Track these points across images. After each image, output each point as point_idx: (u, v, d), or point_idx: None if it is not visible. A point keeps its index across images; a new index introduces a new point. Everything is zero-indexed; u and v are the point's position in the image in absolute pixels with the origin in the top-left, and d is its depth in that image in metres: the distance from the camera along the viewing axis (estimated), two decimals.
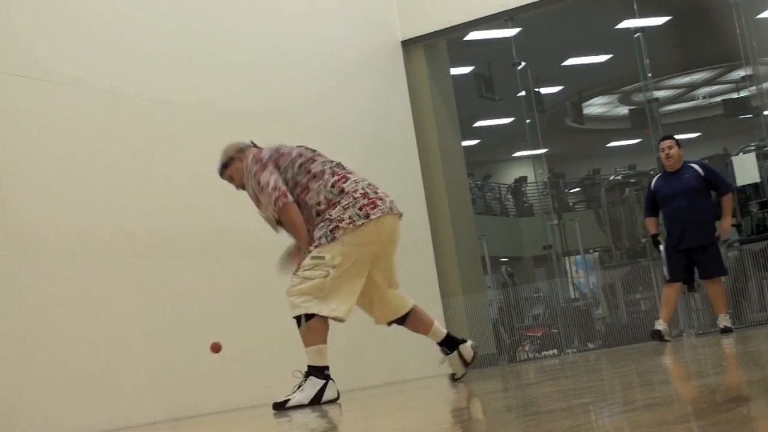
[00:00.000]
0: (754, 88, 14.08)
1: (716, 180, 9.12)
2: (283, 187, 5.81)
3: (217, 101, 8.32)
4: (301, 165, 5.92)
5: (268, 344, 8.18)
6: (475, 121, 20.64)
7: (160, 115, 7.74)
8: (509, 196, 22.94)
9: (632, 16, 11.76)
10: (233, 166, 6.11)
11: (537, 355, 11.37)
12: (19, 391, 6.26)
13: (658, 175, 9.36)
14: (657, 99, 12.59)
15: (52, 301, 6.57)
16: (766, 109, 12.45)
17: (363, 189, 5.82)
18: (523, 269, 19.97)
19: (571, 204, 20.67)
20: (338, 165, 6.11)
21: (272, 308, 8.35)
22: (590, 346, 10.91)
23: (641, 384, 4.17)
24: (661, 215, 9.16)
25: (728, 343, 6.73)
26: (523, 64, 11.43)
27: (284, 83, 9.13)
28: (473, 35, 12.90)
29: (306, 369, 5.74)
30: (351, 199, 5.76)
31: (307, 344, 5.70)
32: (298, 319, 5.72)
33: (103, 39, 7.44)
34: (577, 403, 3.30)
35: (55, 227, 6.73)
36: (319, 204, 5.79)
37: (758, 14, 12.70)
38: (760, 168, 10.79)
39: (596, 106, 22.50)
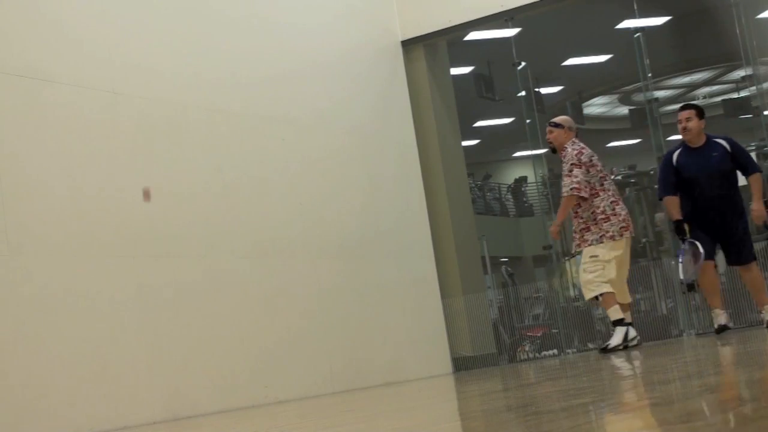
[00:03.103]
0: (754, 88, 14.09)
1: (745, 158, 8.21)
2: (582, 183, 8.08)
3: (217, 101, 8.32)
4: (600, 177, 8.17)
5: (268, 344, 8.18)
6: (475, 121, 20.64)
7: (160, 115, 7.74)
8: (509, 196, 22.95)
9: (632, 16, 11.75)
10: (561, 132, 8.31)
11: (537, 355, 11.37)
12: (19, 391, 6.26)
13: (678, 149, 8.33)
14: (657, 99, 12.59)
15: (52, 301, 6.57)
16: (766, 109, 12.45)
17: (624, 215, 8.16)
18: (523, 269, 19.97)
19: None
20: (615, 190, 8.31)
21: (272, 308, 8.36)
22: (590, 346, 10.90)
23: (641, 384, 4.17)
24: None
25: (708, 351, 6.69)
26: (523, 64, 11.43)
27: (284, 83, 9.13)
28: (473, 35, 12.91)
29: (611, 323, 8.17)
30: (617, 220, 8.11)
31: (607, 308, 8.15)
32: (595, 299, 8.18)
33: (103, 39, 7.43)
34: (577, 403, 3.30)
35: (54, 226, 6.73)
36: (601, 211, 8.11)
37: (758, 14, 12.69)
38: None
39: (596, 106, 22.50)
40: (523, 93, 12.15)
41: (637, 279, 11.68)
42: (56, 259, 6.70)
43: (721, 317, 8.18)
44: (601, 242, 8.03)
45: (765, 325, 8.16)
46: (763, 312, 8.19)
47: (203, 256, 7.80)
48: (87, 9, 7.39)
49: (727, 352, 5.75)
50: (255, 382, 7.93)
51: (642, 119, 13.84)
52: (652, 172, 12.96)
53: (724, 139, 8.28)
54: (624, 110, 22.12)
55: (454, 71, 12.88)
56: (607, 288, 8.05)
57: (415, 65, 11.13)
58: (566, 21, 14.80)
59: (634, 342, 8.27)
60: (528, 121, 12.08)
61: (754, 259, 8.24)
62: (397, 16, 11.04)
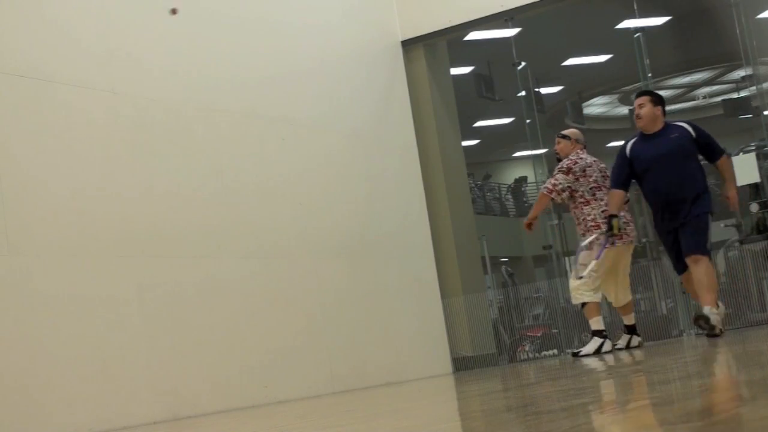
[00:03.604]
0: (754, 88, 14.08)
1: (709, 142, 7.72)
2: (559, 187, 8.26)
3: (217, 101, 8.32)
4: (591, 187, 8.23)
5: (268, 344, 8.18)
6: (475, 121, 20.64)
7: (160, 115, 7.74)
8: (509, 196, 22.95)
9: (632, 16, 11.75)
10: (568, 144, 8.47)
11: (537, 355, 11.37)
12: (19, 391, 6.25)
13: (633, 138, 7.95)
14: None
15: (52, 301, 6.57)
16: (766, 109, 12.45)
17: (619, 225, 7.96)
18: (523, 269, 19.97)
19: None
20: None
21: (272, 308, 8.36)
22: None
23: (641, 384, 4.17)
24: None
25: (708, 352, 6.69)
26: (523, 64, 11.43)
27: (284, 83, 9.13)
28: (473, 35, 12.91)
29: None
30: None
31: (588, 317, 8.25)
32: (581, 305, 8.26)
33: (103, 39, 7.43)
34: (577, 403, 3.30)
35: (55, 227, 6.73)
36: (591, 218, 8.17)
37: (758, 14, 12.69)
38: (760, 168, 10.78)
39: (596, 106, 22.50)
40: (523, 93, 12.15)
41: (637, 279, 11.66)
42: (56, 259, 6.70)
43: (714, 320, 7.49)
44: (591, 249, 8.12)
45: (694, 316, 7.73)
46: (704, 310, 7.52)
47: (203, 257, 7.80)
48: (87, 9, 7.38)
49: (720, 351, 5.75)
50: (255, 382, 7.93)
51: None
52: None
53: (687, 123, 7.88)
54: (624, 110, 22.11)
55: (454, 71, 12.88)
56: (590, 297, 8.16)
57: (415, 65, 11.13)
58: (566, 21, 14.80)
59: (636, 343, 8.34)
60: (528, 121, 12.07)
61: (706, 254, 7.58)
62: (397, 16, 11.04)
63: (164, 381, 7.18)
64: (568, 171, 8.29)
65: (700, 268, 7.57)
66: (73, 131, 7.03)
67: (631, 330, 8.46)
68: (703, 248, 7.62)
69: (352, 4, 10.45)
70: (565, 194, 8.29)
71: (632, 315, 8.47)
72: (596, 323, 8.22)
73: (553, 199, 8.38)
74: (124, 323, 7.02)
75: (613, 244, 7.93)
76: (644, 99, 7.90)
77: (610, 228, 7.84)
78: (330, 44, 9.92)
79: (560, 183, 8.29)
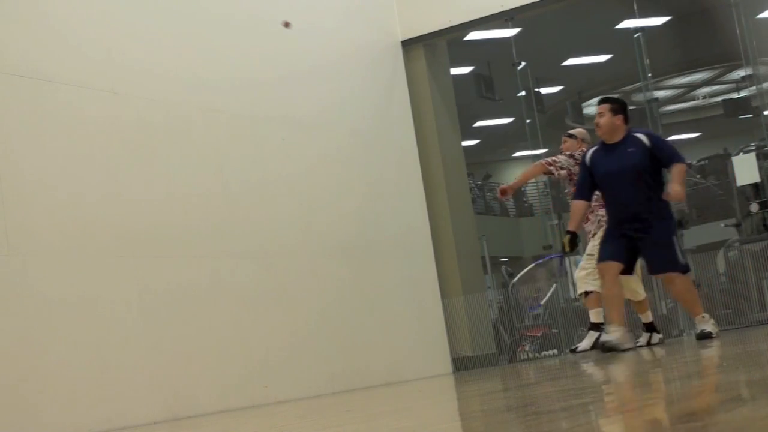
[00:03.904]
0: (754, 88, 14.09)
1: (665, 150, 7.33)
2: (558, 164, 8.10)
3: (217, 101, 8.32)
4: None
5: (268, 344, 8.18)
6: (475, 121, 20.63)
7: (160, 115, 7.74)
8: (509, 196, 22.91)
9: (632, 16, 11.75)
10: (574, 143, 8.27)
11: (537, 355, 11.37)
12: (19, 391, 6.26)
13: (595, 147, 7.63)
14: (657, 99, 12.60)
15: (52, 301, 6.57)
16: (766, 109, 12.45)
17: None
18: (523, 269, 19.93)
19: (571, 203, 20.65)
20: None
21: (272, 308, 8.36)
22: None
23: (641, 384, 4.17)
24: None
25: (708, 351, 6.63)
26: (523, 64, 11.43)
27: (284, 83, 9.13)
28: (473, 35, 12.90)
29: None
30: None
31: (588, 308, 7.99)
32: (584, 294, 7.97)
33: (104, 39, 7.43)
34: (577, 403, 3.30)
35: (55, 227, 6.73)
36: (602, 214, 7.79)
37: (758, 14, 12.70)
38: (760, 168, 10.78)
39: (596, 106, 22.48)
40: (523, 93, 12.16)
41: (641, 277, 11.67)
42: (56, 259, 6.70)
43: (612, 333, 7.21)
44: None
45: (696, 336, 7.54)
46: (697, 321, 7.45)
47: (203, 257, 7.80)
48: (87, 9, 7.38)
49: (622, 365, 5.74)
50: (255, 382, 7.93)
51: (642, 119, 13.82)
52: None
53: (644, 133, 7.54)
54: None
55: (454, 71, 12.87)
56: (594, 286, 7.93)
57: (415, 65, 11.13)
58: (566, 21, 14.80)
59: (656, 341, 8.27)
60: (528, 121, 12.08)
61: (678, 269, 7.25)
62: (397, 17, 11.03)
63: (164, 381, 7.18)
64: (571, 156, 8.19)
65: (677, 286, 7.32)
66: (73, 131, 7.03)
67: (650, 328, 8.39)
68: (674, 264, 7.22)
69: (352, 5, 10.45)
70: (563, 173, 8.10)
71: (649, 313, 8.35)
72: (596, 315, 8.11)
73: (549, 173, 8.19)
74: (124, 323, 7.02)
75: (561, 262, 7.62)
76: (604, 107, 7.50)
77: (563, 246, 7.44)
78: (330, 45, 9.92)
79: (560, 161, 8.16)
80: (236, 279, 8.04)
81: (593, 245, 8.03)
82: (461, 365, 10.53)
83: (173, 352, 7.32)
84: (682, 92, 21.76)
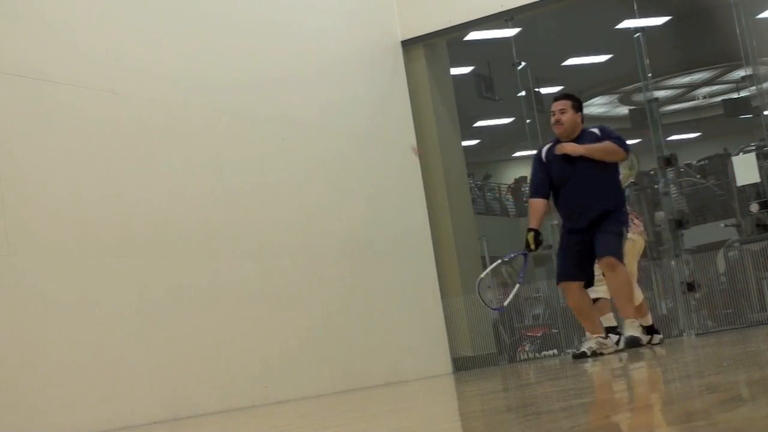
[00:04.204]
0: (754, 88, 14.07)
1: (611, 137, 7.23)
2: None
3: (217, 101, 8.32)
4: None
5: (268, 344, 8.18)
6: (475, 121, 20.63)
7: (160, 115, 7.74)
8: (509, 196, 22.93)
9: (632, 16, 11.74)
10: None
11: (537, 355, 11.37)
12: (19, 391, 6.26)
13: (549, 144, 7.43)
14: (657, 99, 12.58)
15: (51, 301, 6.57)
16: (766, 109, 12.44)
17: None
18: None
19: None
20: None
21: (272, 308, 8.36)
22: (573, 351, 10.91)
23: (641, 384, 4.17)
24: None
25: (707, 351, 6.64)
26: (523, 64, 11.43)
27: (284, 83, 9.13)
28: (473, 35, 12.90)
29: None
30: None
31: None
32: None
33: (104, 39, 7.43)
34: (577, 403, 3.30)
35: (55, 227, 6.73)
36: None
37: (758, 14, 12.69)
38: (760, 168, 10.78)
39: (596, 106, 22.48)
40: (523, 93, 12.14)
41: (637, 279, 11.64)
42: (56, 259, 6.70)
43: (589, 342, 7.22)
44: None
45: (624, 343, 7.24)
46: (626, 326, 7.24)
47: (203, 257, 7.80)
48: (87, 9, 7.39)
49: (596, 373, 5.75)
50: (255, 382, 7.93)
51: (642, 119, 13.81)
52: (652, 173, 12.95)
53: (597, 127, 7.38)
54: (624, 110, 22.10)
55: (454, 71, 12.87)
56: (604, 293, 7.92)
57: (415, 65, 11.12)
58: (566, 21, 14.79)
59: (657, 341, 8.17)
60: (528, 121, 12.06)
61: (621, 261, 7.13)
62: (397, 17, 11.03)
63: (164, 381, 7.18)
64: None
65: (618, 276, 7.10)
66: (73, 131, 7.03)
67: (651, 330, 8.33)
68: (619, 254, 7.13)
69: (351, 5, 10.45)
70: None
71: (649, 316, 8.23)
72: (610, 320, 8.11)
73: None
74: (124, 323, 7.02)
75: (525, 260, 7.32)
76: (565, 103, 7.28)
77: (527, 244, 7.22)
78: (330, 45, 9.92)
79: None
80: (236, 279, 8.04)
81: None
82: (461, 365, 10.53)
83: (173, 352, 7.32)
84: (682, 92, 21.76)
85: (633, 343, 7.11)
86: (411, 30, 11.04)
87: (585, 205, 7.14)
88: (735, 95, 20.11)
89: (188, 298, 7.55)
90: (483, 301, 7.34)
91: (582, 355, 7.20)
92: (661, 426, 2.22)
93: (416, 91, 11.06)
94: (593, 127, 7.41)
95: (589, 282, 7.31)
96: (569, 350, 8.56)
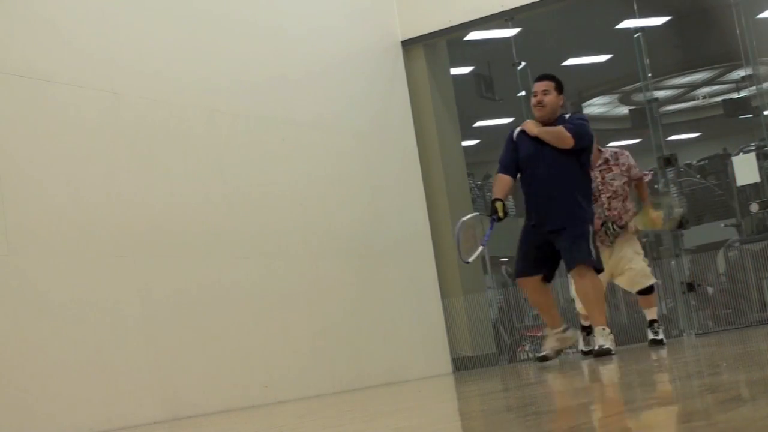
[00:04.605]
0: (754, 88, 14.07)
1: (575, 126, 7.02)
2: None
3: (217, 101, 8.32)
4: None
5: (268, 344, 8.18)
6: (475, 121, 20.62)
7: (160, 115, 7.74)
8: (509, 196, 22.90)
9: (632, 16, 11.74)
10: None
11: (537, 355, 11.36)
12: (19, 391, 6.26)
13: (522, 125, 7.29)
14: (657, 99, 12.58)
15: (52, 301, 6.57)
16: (766, 109, 12.44)
17: None
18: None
19: None
20: None
21: (272, 308, 8.36)
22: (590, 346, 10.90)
23: (641, 384, 4.17)
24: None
25: (707, 351, 6.66)
26: (523, 64, 11.42)
27: (283, 83, 9.13)
28: (473, 35, 12.89)
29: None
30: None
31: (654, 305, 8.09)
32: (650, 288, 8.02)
33: (104, 39, 7.43)
34: (577, 403, 3.30)
35: (55, 227, 6.73)
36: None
37: (758, 14, 12.68)
38: (760, 168, 10.78)
39: (596, 106, 22.47)
40: (523, 93, 12.14)
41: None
42: (56, 260, 6.70)
43: (549, 342, 7.10)
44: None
45: (593, 353, 7.06)
46: (596, 333, 7.03)
47: (203, 257, 7.80)
48: (87, 9, 7.39)
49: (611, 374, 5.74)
50: (255, 382, 7.93)
51: (642, 119, 13.81)
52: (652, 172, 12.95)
53: (571, 113, 7.18)
54: (624, 110, 22.09)
55: (454, 71, 12.87)
56: (654, 280, 8.11)
57: (415, 65, 11.12)
58: (566, 21, 14.79)
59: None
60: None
61: (590, 263, 6.92)
62: (397, 17, 11.03)
63: (164, 381, 7.18)
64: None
65: (586, 282, 6.92)
66: (74, 131, 7.03)
67: (587, 329, 8.37)
68: (588, 257, 6.87)
69: (351, 5, 10.45)
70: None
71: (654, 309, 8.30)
72: (654, 312, 8.15)
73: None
74: (124, 324, 7.02)
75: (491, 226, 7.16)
76: (549, 84, 7.14)
77: (495, 211, 7.02)
78: (329, 45, 9.92)
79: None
80: (236, 279, 8.04)
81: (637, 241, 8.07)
82: (461, 365, 10.53)
83: (173, 352, 7.32)
84: (682, 92, 21.75)
85: (603, 353, 6.91)
86: (411, 30, 11.04)
87: (549, 195, 6.94)
88: (735, 95, 20.09)
89: (188, 299, 7.55)
90: (458, 249, 7.09)
91: (544, 359, 7.12)
92: (661, 426, 2.23)
93: (416, 91, 11.06)
94: (569, 114, 7.27)
95: (549, 276, 7.19)
96: (569, 350, 8.54)
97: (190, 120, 8.01)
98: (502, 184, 7.14)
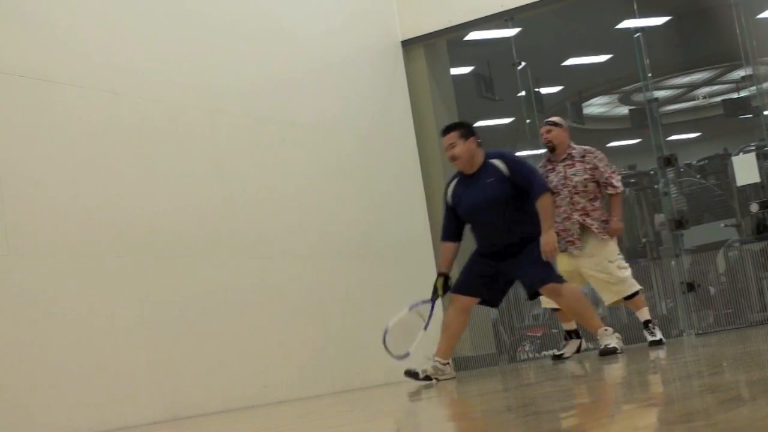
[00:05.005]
0: (754, 88, 14.07)
1: (525, 177, 6.78)
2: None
3: (217, 101, 8.32)
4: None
5: (268, 344, 8.18)
6: (475, 121, 20.62)
7: (160, 115, 7.74)
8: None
9: (632, 16, 11.74)
10: (561, 131, 8.04)
11: (537, 355, 11.36)
12: (19, 391, 6.25)
13: (455, 178, 7.05)
14: (657, 99, 12.58)
15: (52, 301, 6.57)
16: (766, 109, 12.44)
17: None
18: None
19: None
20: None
21: (272, 308, 8.36)
22: (590, 346, 10.91)
23: (641, 384, 4.18)
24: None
25: (706, 351, 6.67)
26: (523, 64, 11.43)
27: (283, 83, 9.13)
28: (473, 35, 12.90)
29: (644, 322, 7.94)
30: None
31: (643, 306, 7.92)
32: (634, 294, 7.85)
33: (104, 39, 7.43)
34: (577, 403, 3.30)
35: (55, 227, 6.73)
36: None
37: (758, 14, 12.68)
38: (760, 168, 10.78)
39: (596, 106, 22.48)
40: (523, 93, 12.14)
41: (637, 279, 11.62)
42: (56, 260, 6.70)
43: (427, 363, 7.04)
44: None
45: (599, 353, 7.14)
46: (598, 336, 7.12)
47: (203, 257, 7.80)
48: (87, 10, 7.39)
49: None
50: (255, 382, 7.93)
51: (642, 119, 13.81)
52: (652, 172, 12.95)
53: (499, 157, 6.86)
54: (624, 110, 22.09)
55: (454, 71, 12.87)
56: (639, 286, 7.99)
57: (415, 65, 11.12)
58: (566, 21, 14.79)
59: (583, 348, 8.35)
60: (528, 121, 12.07)
61: (555, 279, 6.84)
62: (397, 17, 11.03)
63: (164, 381, 7.18)
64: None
65: (564, 298, 6.89)
66: (73, 131, 7.03)
67: (575, 335, 8.30)
68: (551, 277, 6.78)
69: (351, 4, 10.45)
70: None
71: (574, 321, 8.05)
72: (646, 313, 8.12)
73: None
74: (125, 324, 7.02)
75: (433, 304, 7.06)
76: (452, 136, 6.87)
77: (435, 291, 7.03)
78: (329, 45, 9.92)
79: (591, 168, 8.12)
80: (236, 279, 8.04)
81: (615, 247, 7.94)
82: (461, 365, 10.52)
83: (173, 353, 7.32)
84: (682, 92, 21.75)
85: (609, 352, 7.01)
86: (411, 30, 11.04)
87: (498, 237, 6.81)
88: (735, 95, 20.10)
89: (188, 299, 7.55)
90: (387, 350, 6.95)
91: (414, 375, 6.95)
92: (661, 426, 2.23)
93: (416, 91, 11.06)
94: (494, 155, 6.92)
95: (492, 302, 7.13)
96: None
97: (190, 120, 8.00)
98: (445, 253, 7.05)
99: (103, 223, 7.04)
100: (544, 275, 6.75)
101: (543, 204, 6.68)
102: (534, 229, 6.80)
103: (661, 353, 6.89)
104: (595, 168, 8.07)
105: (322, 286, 8.94)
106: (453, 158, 6.84)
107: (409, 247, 10.37)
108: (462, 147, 6.82)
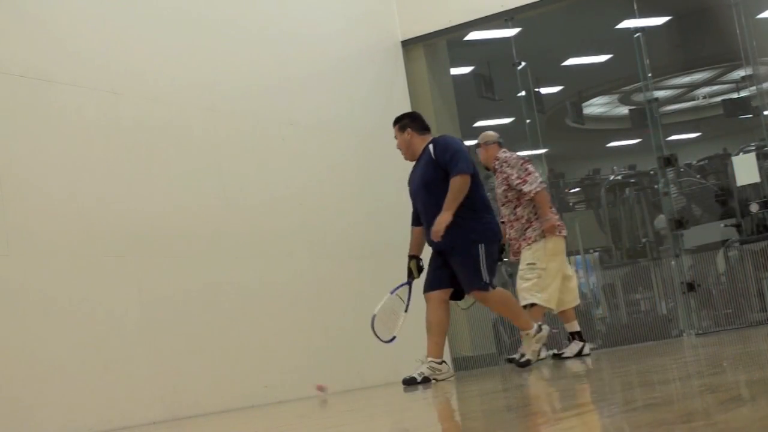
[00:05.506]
0: (754, 88, 14.08)
1: (447, 159, 6.72)
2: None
3: (217, 101, 8.32)
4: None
5: (268, 344, 8.18)
6: (475, 121, 20.63)
7: (160, 115, 7.74)
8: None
9: (632, 16, 11.74)
10: (489, 148, 8.31)
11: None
12: (20, 391, 6.25)
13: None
14: (657, 99, 12.58)
15: (51, 301, 6.57)
16: (766, 109, 12.44)
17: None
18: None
19: (571, 204, 20.67)
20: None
21: (272, 308, 8.36)
22: (590, 346, 10.91)
23: (641, 384, 4.17)
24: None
25: (706, 351, 6.67)
26: (523, 64, 11.43)
27: (284, 83, 9.13)
28: (473, 35, 12.90)
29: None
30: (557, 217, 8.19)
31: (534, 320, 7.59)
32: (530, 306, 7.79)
33: (104, 40, 7.43)
34: (578, 403, 3.30)
35: (55, 227, 6.73)
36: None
37: (758, 14, 12.68)
38: (760, 168, 10.78)
39: (596, 106, 22.48)
40: (523, 93, 12.14)
41: (637, 279, 11.65)
42: (56, 260, 6.70)
43: (421, 366, 6.97)
44: (543, 238, 7.92)
45: (516, 363, 7.20)
46: (521, 338, 7.22)
47: (203, 257, 7.80)
48: (87, 10, 7.39)
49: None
50: (255, 382, 7.93)
51: (642, 119, 13.81)
52: (652, 172, 12.96)
53: (432, 142, 6.92)
54: (624, 110, 22.09)
55: (454, 71, 12.88)
56: (536, 299, 7.88)
57: (415, 65, 11.13)
58: (566, 21, 14.79)
59: (587, 351, 8.37)
60: (528, 121, 12.07)
61: (484, 288, 6.78)
62: (397, 17, 11.04)
63: (164, 381, 7.18)
64: (525, 160, 8.22)
65: (492, 302, 6.96)
66: (73, 132, 7.03)
67: (580, 337, 8.40)
68: (479, 284, 6.75)
69: (351, 5, 10.45)
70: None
71: (575, 322, 8.32)
72: (573, 326, 8.22)
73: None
74: (124, 323, 7.02)
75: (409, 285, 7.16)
76: (394, 130, 7.14)
77: (410, 273, 7.17)
78: (329, 46, 9.92)
79: (537, 172, 8.25)
80: (236, 279, 8.04)
81: (533, 253, 7.96)
82: (461, 365, 10.53)
83: (173, 352, 7.32)
84: (682, 92, 21.75)
85: (524, 365, 7.13)
86: (411, 30, 11.05)
87: (429, 220, 6.82)
88: (735, 95, 20.10)
89: (188, 298, 7.55)
90: (376, 335, 7.05)
91: (412, 381, 6.89)
92: (661, 426, 2.22)
93: (416, 91, 11.06)
94: (432, 140, 6.98)
95: (456, 295, 7.09)
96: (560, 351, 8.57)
97: (189, 120, 8.01)
98: (413, 237, 7.17)
99: (103, 222, 7.04)
100: (470, 282, 6.79)
101: (453, 184, 6.65)
102: (462, 220, 6.73)
103: (659, 359, 6.89)
104: (508, 176, 8.13)
105: (322, 286, 8.94)
106: (400, 150, 7.10)
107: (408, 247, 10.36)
108: (399, 139, 7.07)
